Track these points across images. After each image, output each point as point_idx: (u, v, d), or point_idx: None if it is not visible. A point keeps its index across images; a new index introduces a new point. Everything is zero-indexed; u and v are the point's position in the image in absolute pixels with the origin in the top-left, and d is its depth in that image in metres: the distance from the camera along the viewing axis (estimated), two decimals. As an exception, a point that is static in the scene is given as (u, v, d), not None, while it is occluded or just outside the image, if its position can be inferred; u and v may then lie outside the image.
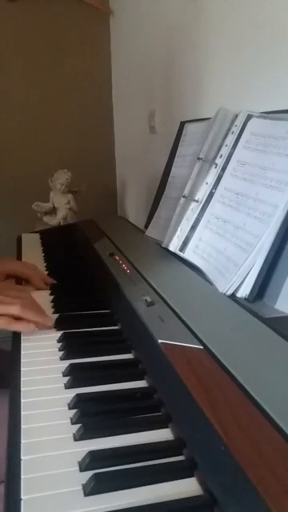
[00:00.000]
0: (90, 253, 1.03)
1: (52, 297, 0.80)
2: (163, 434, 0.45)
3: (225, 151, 0.79)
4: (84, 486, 0.38)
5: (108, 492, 0.37)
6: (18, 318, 0.64)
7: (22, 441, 0.44)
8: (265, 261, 0.64)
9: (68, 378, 0.54)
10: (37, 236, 1.30)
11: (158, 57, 1.45)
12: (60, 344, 0.63)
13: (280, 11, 0.84)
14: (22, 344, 0.63)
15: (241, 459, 0.35)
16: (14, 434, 0.45)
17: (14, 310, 0.63)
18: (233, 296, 0.66)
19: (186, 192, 0.84)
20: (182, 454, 0.42)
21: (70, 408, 0.49)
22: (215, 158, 0.80)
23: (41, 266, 1.00)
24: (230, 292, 0.66)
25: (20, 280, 0.87)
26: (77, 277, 0.95)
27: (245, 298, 0.65)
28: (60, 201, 1.63)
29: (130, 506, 0.36)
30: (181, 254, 0.81)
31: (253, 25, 0.92)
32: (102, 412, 0.49)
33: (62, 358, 0.60)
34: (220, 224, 0.75)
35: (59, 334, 0.66)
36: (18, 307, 0.63)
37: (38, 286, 0.84)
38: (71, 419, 0.47)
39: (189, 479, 0.39)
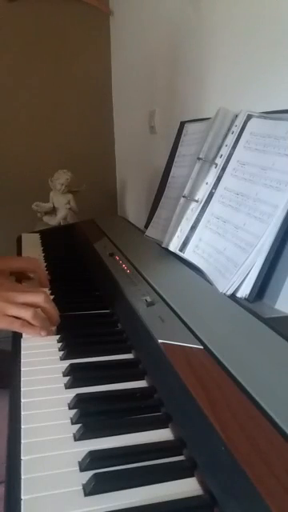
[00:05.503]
0: (90, 253, 1.03)
1: (52, 297, 0.80)
2: (163, 434, 0.45)
3: (225, 151, 0.79)
4: (84, 486, 0.38)
5: (108, 492, 0.37)
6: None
7: (22, 441, 0.44)
8: (265, 261, 0.64)
9: (68, 377, 0.54)
10: (37, 236, 1.30)
11: (158, 57, 1.45)
12: (60, 344, 0.63)
13: (280, 12, 0.84)
14: (22, 344, 0.63)
15: (241, 459, 0.35)
16: (13, 434, 0.45)
17: (27, 315, 0.63)
18: (233, 296, 0.66)
19: (186, 192, 0.84)
20: (181, 454, 0.42)
21: (70, 408, 0.49)
22: (215, 158, 0.80)
23: (41, 266, 1.00)
24: (230, 292, 0.66)
25: (19, 276, 0.87)
26: (77, 277, 0.95)
27: (245, 298, 0.65)
28: (60, 201, 1.63)
29: (130, 505, 0.36)
30: (181, 254, 0.81)
31: (253, 25, 0.93)
32: (102, 412, 0.49)
33: (62, 358, 0.60)
34: (220, 224, 0.75)
35: (59, 334, 0.66)
36: (31, 314, 0.64)
37: (43, 281, 0.84)
38: (71, 419, 0.47)
39: (189, 479, 0.39)
